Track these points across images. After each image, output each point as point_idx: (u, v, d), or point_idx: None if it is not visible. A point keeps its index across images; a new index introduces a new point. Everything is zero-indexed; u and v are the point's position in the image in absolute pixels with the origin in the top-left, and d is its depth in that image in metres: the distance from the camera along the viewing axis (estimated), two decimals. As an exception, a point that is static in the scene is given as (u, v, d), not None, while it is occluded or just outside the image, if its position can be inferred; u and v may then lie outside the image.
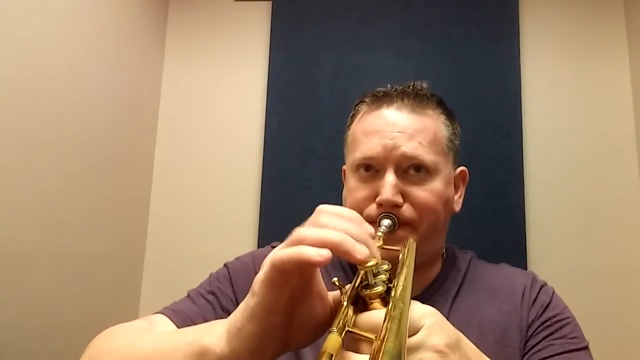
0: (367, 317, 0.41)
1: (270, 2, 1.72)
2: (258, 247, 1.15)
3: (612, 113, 1.58)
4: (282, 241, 0.41)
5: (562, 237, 1.53)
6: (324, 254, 0.37)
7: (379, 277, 0.43)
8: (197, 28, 1.78)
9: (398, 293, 0.40)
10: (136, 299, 1.61)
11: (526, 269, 1.34)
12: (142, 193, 1.66)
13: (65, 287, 1.25)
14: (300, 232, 0.40)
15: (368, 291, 0.42)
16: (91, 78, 1.36)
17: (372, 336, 0.37)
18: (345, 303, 0.41)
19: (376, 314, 0.40)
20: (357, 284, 0.43)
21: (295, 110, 1.64)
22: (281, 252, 0.39)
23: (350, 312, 0.41)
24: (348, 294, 0.42)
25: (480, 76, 1.59)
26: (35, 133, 1.15)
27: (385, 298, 0.42)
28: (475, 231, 1.47)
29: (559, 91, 1.61)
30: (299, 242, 0.39)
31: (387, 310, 0.38)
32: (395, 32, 1.65)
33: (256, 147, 1.67)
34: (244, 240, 1.60)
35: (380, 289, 0.42)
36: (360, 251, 0.39)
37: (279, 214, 1.57)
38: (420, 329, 0.39)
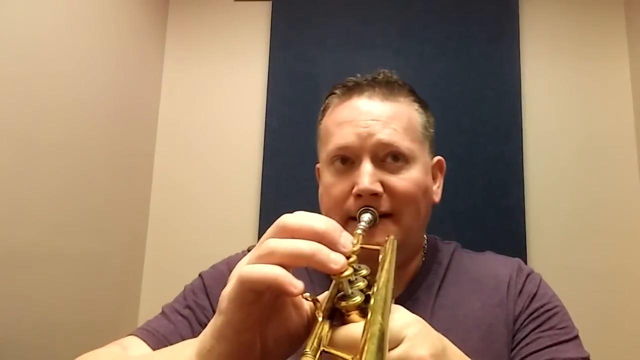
0: (344, 333, 0.37)
1: (270, 2, 1.72)
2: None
3: (612, 113, 1.58)
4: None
5: (562, 237, 1.53)
6: (300, 286, 0.35)
7: (356, 285, 0.40)
8: (197, 28, 1.78)
9: (376, 304, 0.35)
10: (136, 299, 1.61)
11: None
12: (142, 193, 1.66)
13: (65, 287, 1.25)
14: (270, 243, 0.37)
15: (345, 303, 0.38)
16: (91, 78, 1.36)
17: (349, 357, 0.33)
18: (320, 318, 0.37)
19: (354, 329, 0.37)
20: (332, 295, 0.40)
21: (295, 110, 1.64)
22: (252, 269, 0.36)
23: (326, 327, 0.38)
24: (323, 307, 0.39)
25: (480, 76, 1.59)
26: (35, 133, 1.15)
27: (364, 309, 0.38)
28: (475, 231, 1.47)
29: (559, 91, 1.62)
30: (270, 255, 0.37)
31: (365, 326, 0.34)
32: (395, 32, 1.65)
33: (256, 147, 1.67)
34: (244, 240, 1.60)
35: (358, 299, 0.38)
36: (335, 261, 0.36)
37: (279, 213, 1.56)
38: (402, 340, 0.37)
